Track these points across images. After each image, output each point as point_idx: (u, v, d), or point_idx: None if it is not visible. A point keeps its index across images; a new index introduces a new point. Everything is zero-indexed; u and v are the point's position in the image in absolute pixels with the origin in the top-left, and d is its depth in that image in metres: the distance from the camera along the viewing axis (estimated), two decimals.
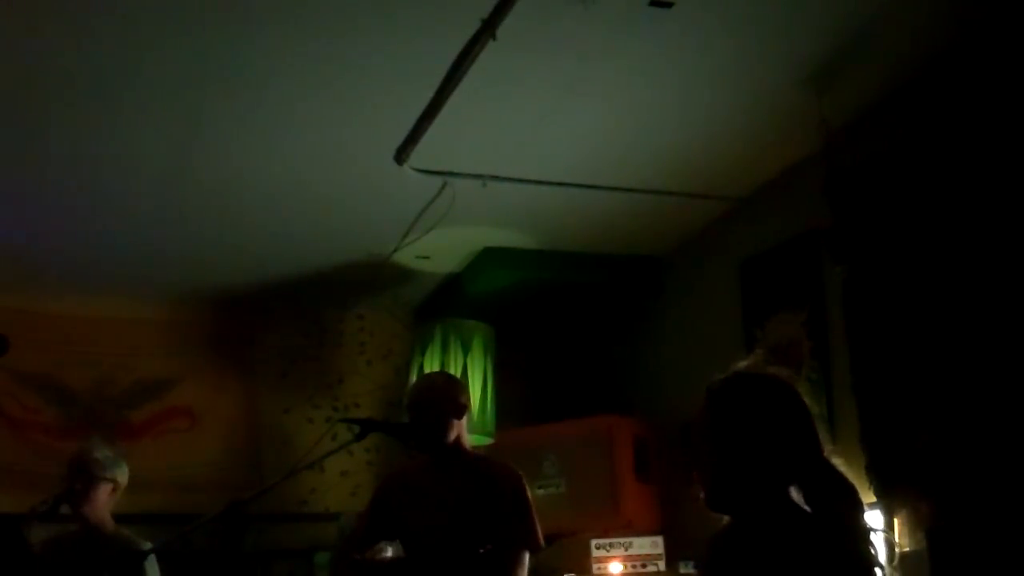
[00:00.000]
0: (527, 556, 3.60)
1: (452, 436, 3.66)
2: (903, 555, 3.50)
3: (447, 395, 3.71)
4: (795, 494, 2.00)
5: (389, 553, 3.93)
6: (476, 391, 5.26)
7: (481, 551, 3.48)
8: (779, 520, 1.96)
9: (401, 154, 4.14)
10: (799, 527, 1.95)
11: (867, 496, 3.62)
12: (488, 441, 5.32)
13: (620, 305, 5.68)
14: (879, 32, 3.44)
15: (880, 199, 3.69)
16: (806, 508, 1.99)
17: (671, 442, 5.03)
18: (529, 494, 3.66)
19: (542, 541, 3.64)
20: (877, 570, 1.94)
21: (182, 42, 3.43)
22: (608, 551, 4.86)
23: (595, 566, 4.83)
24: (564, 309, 5.79)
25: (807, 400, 2.07)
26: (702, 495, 2.06)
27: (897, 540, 3.52)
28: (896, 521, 3.55)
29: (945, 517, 3.32)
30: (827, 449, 2.02)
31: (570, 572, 4.89)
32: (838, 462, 2.02)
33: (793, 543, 1.92)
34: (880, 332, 3.67)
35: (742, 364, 2.12)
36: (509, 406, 5.58)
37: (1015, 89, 3.28)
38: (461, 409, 3.71)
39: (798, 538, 1.93)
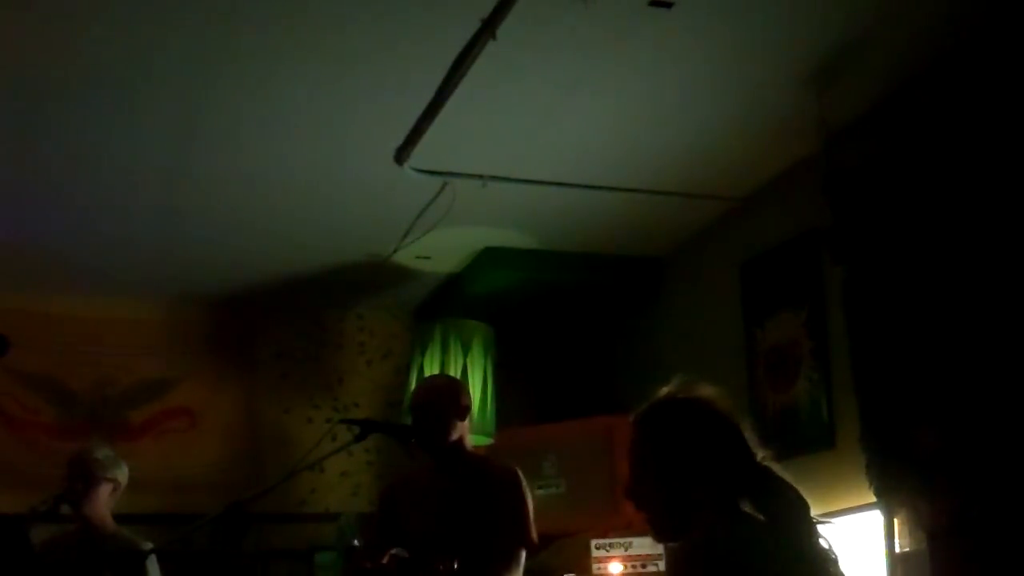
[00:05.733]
0: (523, 555, 3.62)
1: (454, 436, 3.70)
2: (903, 555, 3.50)
3: (449, 396, 3.76)
4: (746, 506, 2.00)
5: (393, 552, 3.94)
6: (476, 391, 5.26)
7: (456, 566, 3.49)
8: (730, 535, 1.96)
9: (401, 154, 4.14)
10: (751, 538, 1.95)
11: (867, 496, 3.63)
12: (488, 441, 5.31)
13: (620, 305, 5.67)
14: (879, 32, 3.45)
15: (880, 199, 3.69)
16: (759, 516, 2.00)
17: None
18: (526, 493, 3.68)
19: (536, 539, 3.66)
20: (832, 563, 1.96)
21: (182, 43, 3.44)
22: (608, 551, 4.85)
23: (595, 566, 4.82)
24: (564, 309, 5.79)
25: (732, 412, 2.08)
26: (652, 533, 2.07)
27: (897, 540, 3.53)
28: (896, 521, 3.55)
29: (945, 517, 3.32)
30: (760, 455, 2.03)
31: (570, 572, 4.89)
32: (775, 467, 2.03)
33: (749, 554, 1.93)
34: (880, 332, 3.67)
35: (663, 390, 2.13)
36: (509, 406, 5.57)
37: (1015, 89, 3.28)
38: (463, 410, 3.75)
39: (751, 549, 1.94)
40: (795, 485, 2.00)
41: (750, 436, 2.05)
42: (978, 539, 3.22)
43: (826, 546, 1.97)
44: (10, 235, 4.92)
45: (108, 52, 3.48)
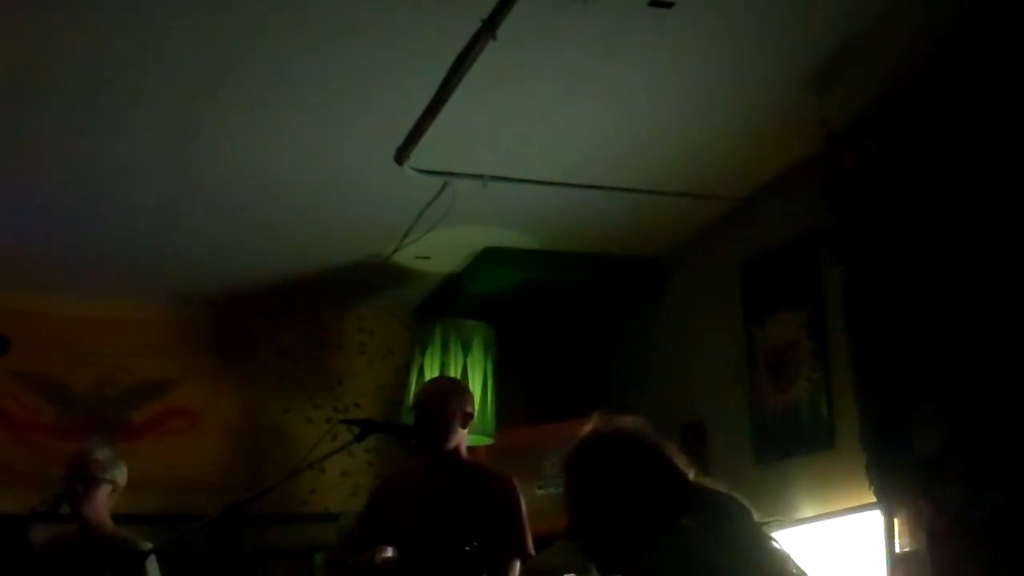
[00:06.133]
0: (518, 565, 3.61)
1: (452, 443, 3.69)
2: (903, 555, 3.50)
3: (455, 402, 3.74)
4: (688, 522, 2.02)
5: (388, 554, 3.94)
6: (476, 391, 5.25)
7: (467, 548, 3.49)
8: (677, 552, 1.97)
9: (401, 154, 4.14)
10: (697, 552, 1.97)
11: (867, 496, 3.63)
12: (488, 441, 5.31)
13: (620, 305, 5.67)
14: (879, 32, 3.45)
15: (880, 199, 3.69)
16: (702, 530, 2.01)
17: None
18: (522, 502, 3.67)
19: (532, 550, 3.65)
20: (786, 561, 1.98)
21: (182, 42, 3.44)
22: None
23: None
24: (564, 309, 5.79)
25: (656, 439, 2.10)
26: (598, 568, 2.08)
27: (897, 540, 3.53)
28: (896, 521, 3.55)
29: (945, 517, 3.32)
30: (691, 474, 2.06)
31: (570, 572, 4.88)
32: (709, 481, 2.06)
33: (698, 567, 1.94)
34: (880, 332, 3.67)
35: (585, 428, 2.16)
36: (509, 406, 5.57)
37: (1015, 89, 3.28)
38: (466, 418, 3.74)
39: (700, 562, 1.95)
40: (731, 492, 2.03)
41: (679, 458, 2.08)
42: (978, 539, 3.22)
43: (776, 546, 1.98)
44: (10, 235, 4.92)
45: (108, 52, 3.48)
